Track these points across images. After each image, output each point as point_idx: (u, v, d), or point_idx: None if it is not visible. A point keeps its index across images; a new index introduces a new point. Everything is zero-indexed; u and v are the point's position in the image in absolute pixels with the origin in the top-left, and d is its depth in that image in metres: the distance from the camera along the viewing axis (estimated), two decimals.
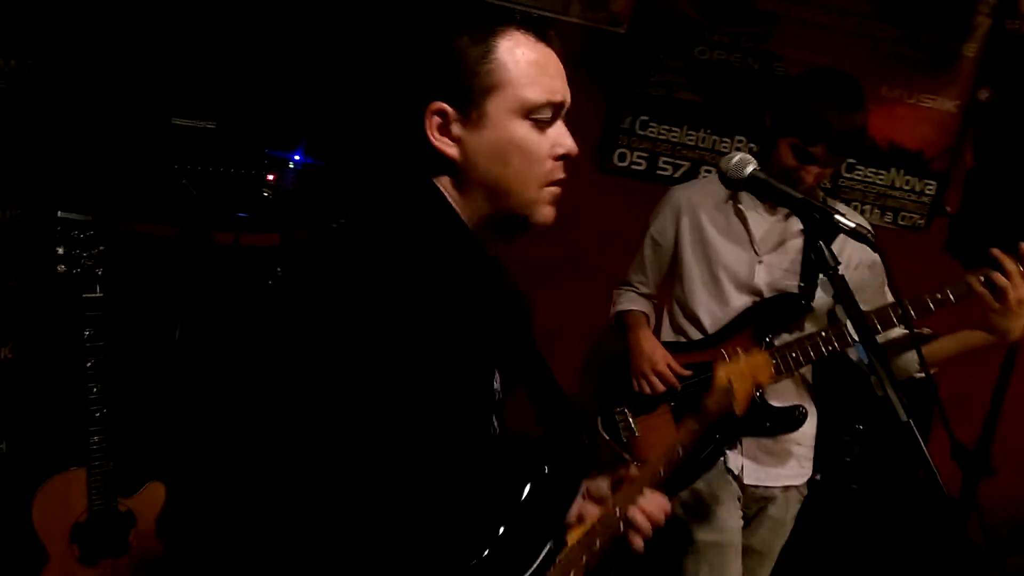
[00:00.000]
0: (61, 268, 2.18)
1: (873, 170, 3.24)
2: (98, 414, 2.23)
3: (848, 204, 3.25)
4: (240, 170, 2.68)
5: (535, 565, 1.26)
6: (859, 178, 3.25)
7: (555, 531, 1.32)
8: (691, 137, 3.22)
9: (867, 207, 3.26)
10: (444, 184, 1.20)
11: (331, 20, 2.95)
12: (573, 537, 1.32)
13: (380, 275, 1.10)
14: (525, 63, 1.15)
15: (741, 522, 2.22)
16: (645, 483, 1.39)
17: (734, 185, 1.34)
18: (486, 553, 1.22)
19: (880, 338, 2.05)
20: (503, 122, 1.15)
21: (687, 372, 2.16)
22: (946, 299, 1.89)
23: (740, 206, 2.16)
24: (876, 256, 2.10)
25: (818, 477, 3.16)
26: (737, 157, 1.33)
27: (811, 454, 2.27)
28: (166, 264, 2.50)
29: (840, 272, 1.24)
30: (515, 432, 1.46)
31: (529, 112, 1.16)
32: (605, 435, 2.25)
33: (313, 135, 2.87)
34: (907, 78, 3.18)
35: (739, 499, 2.19)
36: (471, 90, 1.15)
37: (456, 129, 1.16)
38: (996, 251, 1.85)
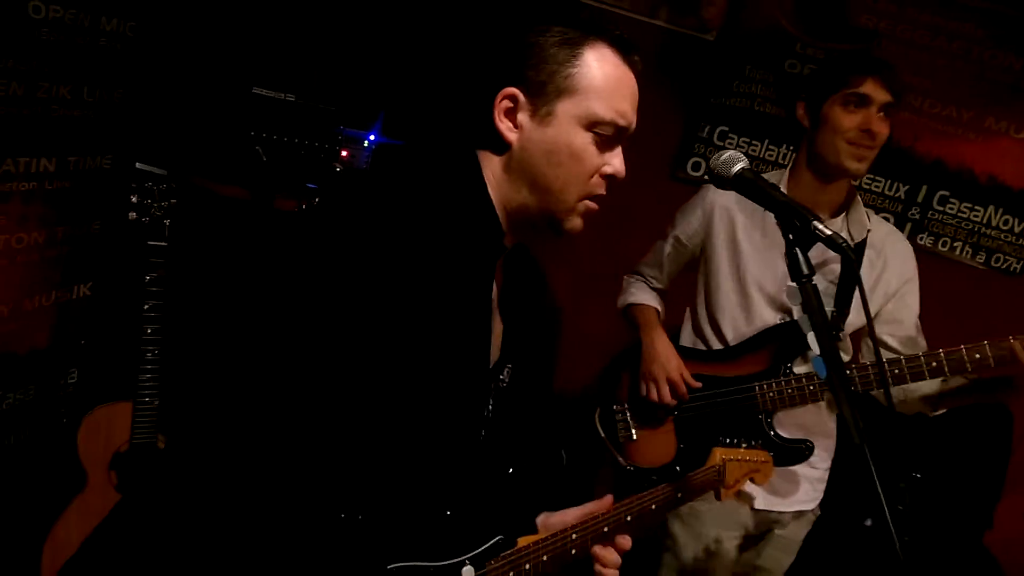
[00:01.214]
0: (132, 215, 2.35)
1: (968, 205, 3.01)
2: (149, 354, 2.39)
3: (937, 240, 3.06)
4: (314, 143, 2.81)
5: (480, 549, 1.30)
6: (951, 212, 3.03)
7: (507, 528, 1.35)
8: (771, 152, 3.11)
9: (957, 244, 3.04)
10: (492, 163, 1.25)
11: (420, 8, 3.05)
12: (523, 542, 1.35)
13: (388, 225, 1.15)
14: (603, 78, 1.20)
15: (736, 551, 2.14)
16: (610, 523, 1.40)
17: (721, 184, 1.29)
18: (446, 515, 1.28)
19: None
20: (566, 126, 1.20)
21: (697, 384, 2.09)
22: (985, 361, 1.79)
23: None
24: (916, 288, 2.00)
25: (869, 523, 3.02)
26: (726, 154, 1.28)
27: (826, 476, 2.18)
28: (231, 222, 2.64)
29: (814, 283, 1.18)
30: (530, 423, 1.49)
31: (593, 125, 1.21)
32: (601, 431, 2.19)
33: (391, 114, 2.98)
34: (1017, 111, 2.95)
35: (745, 523, 2.11)
36: (547, 87, 1.20)
37: (522, 117, 1.22)
38: None
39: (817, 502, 2.17)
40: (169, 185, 2.39)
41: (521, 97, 1.21)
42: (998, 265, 3.03)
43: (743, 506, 2.09)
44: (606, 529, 1.39)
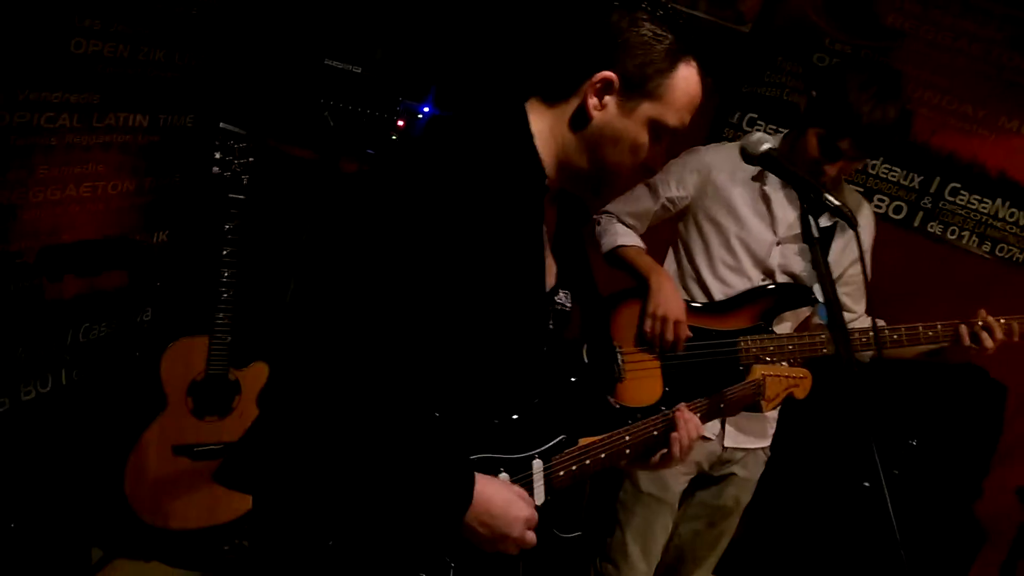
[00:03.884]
0: (215, 170, 2.58)
1: (977, 197, 3.23)
2: (226, 295, 2.65)
3: (947, 228, 3.28)
4: (375, 112, 3.07)
5: (547, 445, 1.52)
6: (961, 203, 3.24)
7: (570, 429, 1.57)
8: None
9: (965, 233, 3.26)
10: (563, 124, 1.41)
11: None
12: (583, 441, 1.57)
13: (447, 172, 1.31)
14: (683, 94, 1.39)
15: (684, 486, 2.39)
16: (659, 427, 1.65)
17: (749, 160, 1.54)
18: (515, 417, 1.49)
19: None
20: (639, 123, 1.38)
21: (689, 333, 2.20)
22: (937, 337, 2.11)
23: (766, 188, 2.22)
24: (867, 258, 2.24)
25: (867, 484, 3.27)
26: (756, 135, 1.54)
27: (776, 417, 2.41)
28: (300, 180, 2.91)
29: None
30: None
31: (659, 128, 1.40)
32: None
33: (443, 87, 3.24)
34: None
35: (698, 461, 2.33)
36: (640, 87, 1.37)
37: (608, 100, 1.37)
38: (989, 319, 2.09)
39: (770, 441, 2.41)
40: (248, 144, 2.63)
41: (617, 85, 1.36)
42: (1002, 255, 3.24)
43: (703, 446, 2.31)
44: (655, 432, 1.64)
